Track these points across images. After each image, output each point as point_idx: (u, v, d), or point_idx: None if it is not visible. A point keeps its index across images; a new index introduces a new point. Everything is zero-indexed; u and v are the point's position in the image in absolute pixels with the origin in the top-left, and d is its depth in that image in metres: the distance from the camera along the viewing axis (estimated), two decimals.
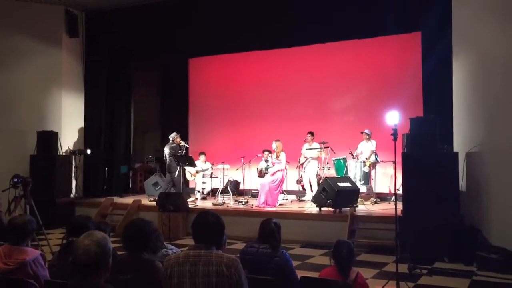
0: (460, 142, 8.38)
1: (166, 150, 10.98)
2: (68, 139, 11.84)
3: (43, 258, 3.85)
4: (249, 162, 10.99)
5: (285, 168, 10.01)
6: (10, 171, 7.32)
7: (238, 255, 3.47)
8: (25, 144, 11.00)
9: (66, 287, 2.69)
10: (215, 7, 10.72)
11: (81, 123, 12.40)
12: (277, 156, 9.75)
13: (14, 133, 11.15)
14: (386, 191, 10.76)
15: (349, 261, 3.71)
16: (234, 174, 11.48)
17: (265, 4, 10.28)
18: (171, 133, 11.17)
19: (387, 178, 10.68)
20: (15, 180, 6.73)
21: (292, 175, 11.28)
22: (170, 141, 11.03)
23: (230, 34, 10.89)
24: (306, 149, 10.77)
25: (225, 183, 11.31)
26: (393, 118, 5.68)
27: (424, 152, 7.53)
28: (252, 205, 9.84)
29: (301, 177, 11.06)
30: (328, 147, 10.50)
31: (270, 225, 3.91)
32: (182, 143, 11.17)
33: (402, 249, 6.84)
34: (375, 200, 10.05)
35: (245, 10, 10.51)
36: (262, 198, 9.61)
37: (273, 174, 9.72)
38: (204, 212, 3.08)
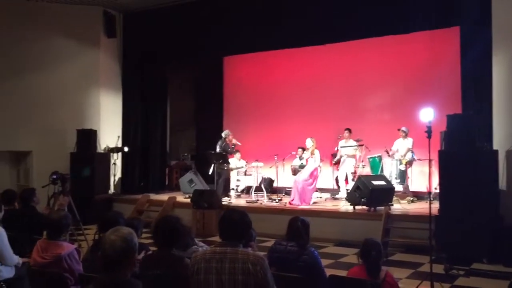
0: (500, 140, 8.07)
1: (217, 147, 10.98)
2: (106, 137, 12.13)
3: (78, 253, 3.97)
4: (283, 160, 11.00)
5: (319, 166, 9.93)
6: (52, 168, 7.51)
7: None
8: (66, 142, 11.32)
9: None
10: (248, 5, 10.73)
11: (118, 122, 12.67)
12: (312, 154, 9.67)
13: (55, 131, 11.49)
14: (423, 189, 10.45)
15: (378, 262, 3.66)
16: (267, 172, 11.48)
17: (298, 1, 10.21)
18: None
19: (425, 177, 10.36)
20: (54, 176, 6.95)
21: (326, 173, 11.17)
22: (222, 138, 11.00)
23: (263, 31, 10.78)
24: (341, 147, 10.65)
25: (259, 181, 11.32)
26: (427, 115, 5.55)
27: (462, 150, 7.32)
28: (286, 203, 9.82)
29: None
30: (363, 145, 10.35)
31: (297, 223, 3.89)
32: (234, 141, 11.18)
33: (439, 249, 6.70)
34: (411, 198, 9.84)
35: (278, 7, 10.45)
36: (296, 196, 9.57)
37: (311, 174, 9.63)
38: (230, 210, 3.11)
